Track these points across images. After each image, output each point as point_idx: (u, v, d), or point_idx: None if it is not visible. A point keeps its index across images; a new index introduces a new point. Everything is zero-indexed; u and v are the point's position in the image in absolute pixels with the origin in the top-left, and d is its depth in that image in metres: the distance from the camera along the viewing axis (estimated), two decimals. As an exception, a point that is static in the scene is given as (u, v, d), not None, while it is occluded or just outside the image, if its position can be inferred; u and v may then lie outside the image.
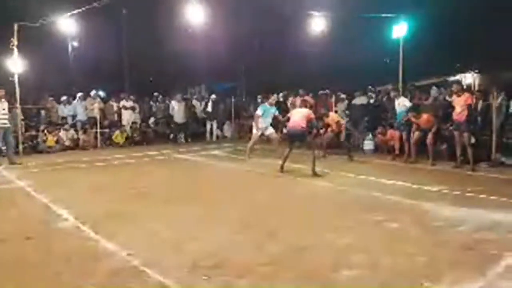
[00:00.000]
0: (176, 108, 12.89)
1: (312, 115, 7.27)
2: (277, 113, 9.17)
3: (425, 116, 8.16)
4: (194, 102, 14.45)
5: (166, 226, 4.25)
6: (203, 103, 14.11)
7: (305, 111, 7.20)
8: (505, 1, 13.11)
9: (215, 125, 13.49)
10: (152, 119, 13.84)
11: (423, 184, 6.22)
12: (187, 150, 11.05)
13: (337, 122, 9.32)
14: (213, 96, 13.93)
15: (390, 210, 4.81)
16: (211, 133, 13.52)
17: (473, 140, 7.62)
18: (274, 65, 19.57)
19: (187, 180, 7.15)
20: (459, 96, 7.56)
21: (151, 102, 14.51)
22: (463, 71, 14.77)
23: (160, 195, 5.77)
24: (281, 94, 13.71)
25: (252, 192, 6.05)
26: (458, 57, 15.33)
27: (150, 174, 7.71)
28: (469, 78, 14.50)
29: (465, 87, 10.36)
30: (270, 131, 9.20)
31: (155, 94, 14.65)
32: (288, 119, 7.37)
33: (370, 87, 12.35)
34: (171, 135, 13.07)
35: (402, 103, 8.76)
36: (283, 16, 14.10)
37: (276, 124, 9.62)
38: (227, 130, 14.59)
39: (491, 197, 5.36)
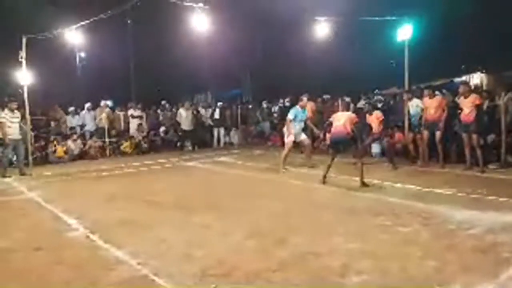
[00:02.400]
0: (184, 116, 12.97)
1: (356, 119, 6.64)
2: (308, 117, 8.57)
3: (435, 101, 8.06)
4: (200, 109, 14.52)
5: (176, 234, 4.26)
6: (210, 110, 14.18)
7: (349, 114, 6.65)
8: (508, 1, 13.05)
9: (222, 132, 13.54)
10: (162, 128, 13.94)
11: (433, 187, 6.16)
12: (195, 158, 11.10)
13: (381, 122, 8.64)
14: (220, 103, 14.00)
15: (400, 214, 4.77)
16: (219, 140, 13.57)
17: (481, 141, 7.56)
18: (280, 70, 19.62)
19: (196, 188, 7.17)
20: (466, 97, 7.54)
21: (159, 111, 14.63)
22: (469, 71, 14.67)
23: (170, 203, 5.79)
24: (287, 99, 13.75)
25: (261, 198, 6.03)
26: (464, 58, 15.24)
27: (159, 182, 7.75)
28: (476, 78, 14.38)
29: (472, 87, 10.29)
30: (303, 137, 8.49)
31: (163, 102, 14.78)
32: (331, 124, 6.72)
33: (376, 90, 12.33)
34: (178, 143, 13.13)
35: (415, 104, 8.66)
36: (287, 21, 14.16)
37: (310, 129, 9.02)
38: (234, 136, 14.63)
39: (502, 199, 5.30)
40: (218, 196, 6.31)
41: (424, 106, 8.30)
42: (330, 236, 4.04)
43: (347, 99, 11.85)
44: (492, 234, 3.93)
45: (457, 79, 13.29)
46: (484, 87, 13.16)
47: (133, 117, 13.15)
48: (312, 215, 4.96)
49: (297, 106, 8.40)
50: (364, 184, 6.32)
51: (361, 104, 11.42)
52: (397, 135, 9.42)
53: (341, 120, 6.45)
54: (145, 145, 12.75)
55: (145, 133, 13.09)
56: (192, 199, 6.09)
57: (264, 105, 14.97)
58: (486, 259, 3.34)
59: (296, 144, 8.62)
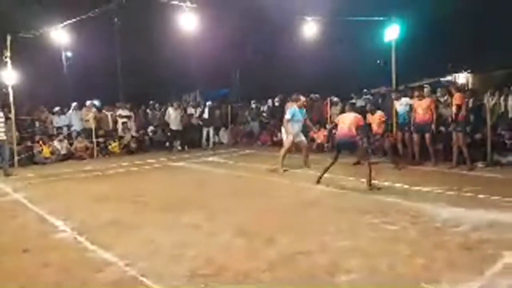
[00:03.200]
0: (173, 115, 12.88)
1: (362, 121, 6.60)
2: (306, 117, 8.39)
3: (424, 103, 8.05)
4: (189, 109, 14.45)
5: (165, 234, 4.24)
6: (199, 109, 14.12)
7: (353, 116, 6.51)
8: (493, 1, 13.28)
9: (211, 132, 13.48)
10: (151, 128, 13.82)
11: (421, 185, 6.24)
12: (184, 158, 11.04)
13: (383, 122, 8.54)
14: (209, 102, 13.96)
15: (388, 212, 4.82)
16: (208, 140, 13.51)
17: (469, 139, 7.68)
18: (269, 69, 19.64)
19: (185, 188, 7.13)
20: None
21: (148, 110, 14.52)
22: (456, 71, 14.89)
23: (158, 204, 5.75)
24: (276, 99, 13.76)
25: (251, 198, 6.03)
26: (450, 58, 15.46)
27: (148, 183, 7.69)
28: (462, 78, 14.60)
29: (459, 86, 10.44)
30: (301, 138, 8.30)
31: (151, 102, 14.66)
32: (335, 126, 6.69)
33: (365, 90, 12.41)
34: (167, 143, 13.05)
35: (405, 103, 8.69)
36: (276, 20, 14.17)
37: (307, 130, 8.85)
38: (224, 136, 14.60)
39: (488, 197, 5.39)
40: (207, 196, 6.29)
41: (413, 107, 8.32)
42: (319, 234, 4.05)
43: (335, 99, 11.92)
44: (478, 232, 3.99)
45: (444, 79, 13.49)
46: (470, 86, 13.38)
47: (121, 117, 13.02)
48: (302, 214, 4.97)
49: (295, 106, 8.21)
50: (371, 186, 6.09)
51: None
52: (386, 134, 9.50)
53: (346, 123, 6.38)
54: (134, 145, 12.63)
55: (133, 133, 12.97)
56: (181, 199, 6.05)
57: (253, 104, 14.96)
58: (472, 256, 3.40)
59: (294, 144, 8.42)
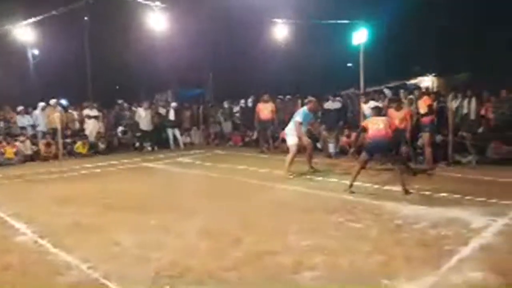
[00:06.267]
0: (143, 115, 12.68)
1: (394, 123, 6.36)
2: (314, 120, 8.06)
3: (401, 114, 7.85)
4: (160, 109, 14.24)
5: (131, 237, 4.17)
6: (166, 110, 13.92)
7: (386, 118, 6.27)
8: (454, 10, 13.85)
9: (178, 133, 13.30)
10: (120, 128, 13.53)
11: (385, 185, 6.43)
12: (154, 159, 10.89)
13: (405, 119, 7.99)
14: (174, 104, 13.78)
15: (353, 211, 4.94)
16: (176, 141, 13.34)
17: (438, 139, 7.96)
18: (242, 70, 19.70)
19: (154, 189, 7.05)
20: (419, 98, 8.18)
21: (118, 109, 14.20)
22: (421, 74, 15.42)
23: (126, 205, 5.65)
24: (250, 99, 13.79)
25: (220, 198, 6.03)
26: (417, 61, 16.00)
27: (116, 184, 7.55)
28: (427, 81, 15.12)
29: (423, 89, 10.83)
30: (306, 140, 7.80)
31: (119, 101, 14.37)
32: (365, 130, 6.22)
33: (336, 92, 12.64)
34: (137, 144, 12.83)
35: (373, 106, 8.83)
36: (250, 22, 14.23)
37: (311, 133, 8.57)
38: (195, 136, 14.49)
39: (448, 195, 5.60)
40: (177, 197, 6.24)
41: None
42: (285, 234, 4.11)
43: (310, 98, 12.01)
44: (437, 229, 4.16)
45: (410, 82, 13.93)
46: (435, 89, 13.87)
47: (89, 117, 12.70)
48: (269, 214, 5.02)
49: (305, 108, 7.73)
50: (406, 192, 5.76)
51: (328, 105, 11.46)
52: (353, 134, 9.71)
53: (381, 124, 6.02)
54: (102, 146, 12.36)
55: (101, 133, 12.68)
56: (150, 201, 5.98)
57: (226, 105, 14.93)
58: (430, 252, 3.54)
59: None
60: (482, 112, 9.24)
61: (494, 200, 5.20)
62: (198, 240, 4.03)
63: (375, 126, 6.04)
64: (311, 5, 11.26)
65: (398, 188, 6.04)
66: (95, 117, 12.79)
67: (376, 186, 6.41)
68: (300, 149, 7.59)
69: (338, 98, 11.97)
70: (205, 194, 6.40)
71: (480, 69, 13.79)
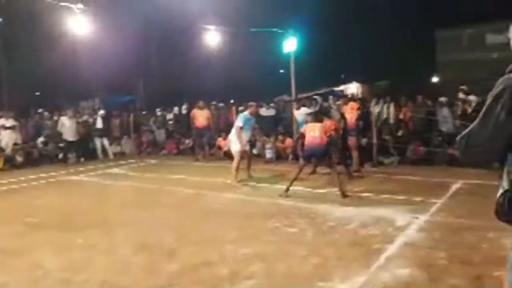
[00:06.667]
0: (67, 125, 11.82)
1: (333, 126, 6.62)
2: (256, 125, 7.95)
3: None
4: (86, 117, 13.42)
5: (56, 258, 3.84)
6: (93, 119, 13.17)
7: (322, 124, 6.41)
8: (376, 22, 14.92)
9: (106, 142, 12.63)
10: (40, 139, 12.48)
11: (317, 188, 6.65)
12: (80, 171, 10.19)
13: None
14: (102, 111, 13.08)
15: (288, 215, 5.03)
16: (104, 151, 12.65)
17: (363, 142, 8.43)
18: (174, 77, 19.34)
19: (81, 204, 6.56)
20: (346, 104, 8.61)
21: (38, 118, 13.12)
22: (347, 82, 16.34)
23: (51, 224, 5.19)
24: (184, 107, 13.55)
25: (153, 210, 5.79)
26: (342, 69, 16.96)
27: (38, 200, 6.89)
28: (353, 88, 16.05)
29: (349, 96, 11.46)
30: (247, 147, 7.71)
31: (39, 110, 13.31)
32: (303, 136, 6.41)
33: (270, 99, 12.90)
34: (61, 155, 11.93)
35: (303, 112, 9.10)
36: (181, 28, 14.03)
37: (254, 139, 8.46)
38: (126, 146, 13.85)
39: (375, 195, 5.95)
40: (105, 211, 5.87)
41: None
42: (221, 243, 4.05)
43: (251, 103, 12.08)
44: (366, 228, 4.38)
45: (337, 88, 14.69)
46: (360, 95, 14.75)
47: (4, 128, 11.56)
48: (205, 224, 4.93)
49: (246, 113, 7.65)
50: (344, 195, 5.90)
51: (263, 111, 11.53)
52: (288, 140, 9.97)
53: (317, 132, 6.18)
54: (20, 159, 11.30)
55: (19, 145, 11.60)
56: (76, 217, 5.56)
57: (158, 112, 14.51)
58: (360, 252, 3.71)
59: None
60: (401, 116, 9.98)
61: (415, 198, 5.61)
62: (130, 255, 3.82)
63: (311, 133, 6.23)
64: (244, 13, 11.41)
65: (330, 190, 6.30)
66: (12, 128, 11.67)
67: (308, 189, 6.59)
68: (244, 155, 7.56)
69: (272, 105, 12.25)
70: (136, 206, 6.11)
71: (398, 77, 14.98)
